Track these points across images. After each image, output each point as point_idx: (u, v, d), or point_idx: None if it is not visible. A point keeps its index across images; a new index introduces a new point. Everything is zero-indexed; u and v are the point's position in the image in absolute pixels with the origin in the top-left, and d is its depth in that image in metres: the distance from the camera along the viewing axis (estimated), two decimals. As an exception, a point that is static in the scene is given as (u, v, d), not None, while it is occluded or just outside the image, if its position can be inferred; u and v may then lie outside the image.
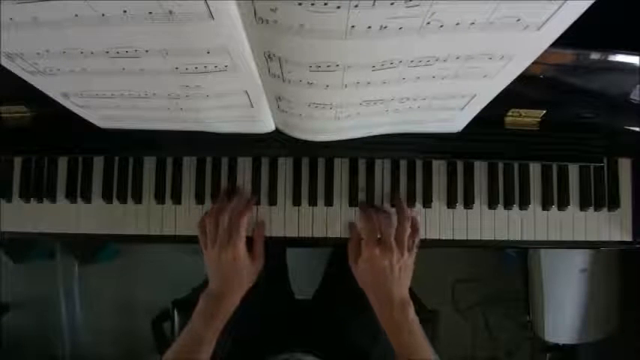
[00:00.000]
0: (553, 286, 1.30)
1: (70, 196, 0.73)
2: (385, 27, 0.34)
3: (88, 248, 1.58)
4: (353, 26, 0.34)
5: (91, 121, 0.62)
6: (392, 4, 0.31)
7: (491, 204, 0.73)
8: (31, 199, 0.74)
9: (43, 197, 0.73)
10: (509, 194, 0.73)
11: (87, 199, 0.73)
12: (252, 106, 0.54)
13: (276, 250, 0.71)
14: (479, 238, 0.73)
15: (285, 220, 0.73)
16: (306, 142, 0.63)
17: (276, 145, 0.68)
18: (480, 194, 0.73)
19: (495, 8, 0.33)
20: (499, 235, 0.73)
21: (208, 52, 0.41)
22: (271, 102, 0.52)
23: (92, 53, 0.41)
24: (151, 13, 0.35)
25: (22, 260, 1.55)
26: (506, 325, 1.62)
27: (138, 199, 0.73)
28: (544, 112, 0.66)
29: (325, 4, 0.31)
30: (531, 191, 0.73)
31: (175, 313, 0.92)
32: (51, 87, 0.51)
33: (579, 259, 1.25)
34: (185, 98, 0.51)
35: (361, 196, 0.72)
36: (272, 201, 0.72)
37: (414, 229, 0.68)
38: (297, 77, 0.43)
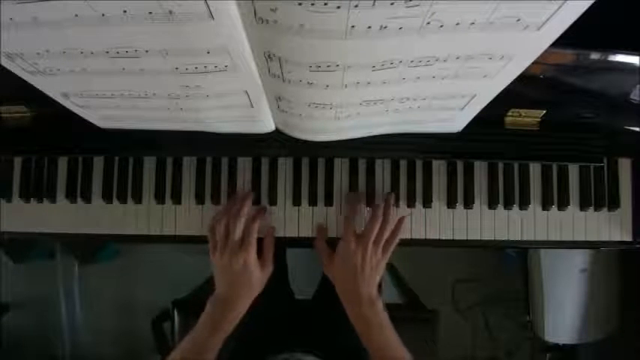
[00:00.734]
0: (553, 286, 1.30)
1: (70, 196, 0.73)
2: (385, 27, 0.34)
3: (88, 248, 1.58)
4: (353, 26, 0.34)
5: (91, 121, 0.62)
6: (392, 4, 0.31)
7: (491, 204, 0.73)
8: (31, 199, 0.74)
9: (43, 197, 0.73)
10: (509, 194, 0.73)
11: (87, 199, 0.73)
12: (252, 106, 0.54)
13: (276, 250, 0.71)
14: (479, 238, 0.73)
15: (285, 220, 0.73)
16: (306, 142, 0.63)
17: (276, 145, 0.68)
18: (480, 194, 0.73)
19: (495, 8, 0.33)
20: (499, 235, 0.73)
21: (208, 52, 0.41)
22: (271, 102, 0.52)
23: (92, 53, 0.41)
24: (151, 13, 0.35)
25: (22, 260, 1.55)
26: (506, 325, 1.62)
27: (138, 199, 0.73)
28: (544, 112, 0.66)
29: (325, 4, 0.31)
30: (531, 191, 0.73)
31: (175, 313, 0.92)
32: (51, 87, 0.51)
33: (579, 259, 1.25)
34: (185, 98, 0.51)
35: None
36: (272, 201, 0.72)
37: (395, 233, 0.68)
38: (297, 77, 0.43)
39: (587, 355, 1.40)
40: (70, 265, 1.59)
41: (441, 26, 0.35)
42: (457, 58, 0.42)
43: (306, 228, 0.73)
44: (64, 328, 1.61)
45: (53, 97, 0.53)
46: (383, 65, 0.41)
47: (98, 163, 0.74)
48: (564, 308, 1.30)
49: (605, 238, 0.73)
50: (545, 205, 0.73)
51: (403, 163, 0.73)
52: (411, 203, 0.73)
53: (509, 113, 0.67)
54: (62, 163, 0.74)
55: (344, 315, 0.67)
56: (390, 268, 1.36)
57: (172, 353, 0.65)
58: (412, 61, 0.41)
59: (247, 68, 0.44)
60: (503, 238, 0.73)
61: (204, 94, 0.49)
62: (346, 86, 0.44)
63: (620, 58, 0.54)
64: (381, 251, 0.66)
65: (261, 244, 0.70)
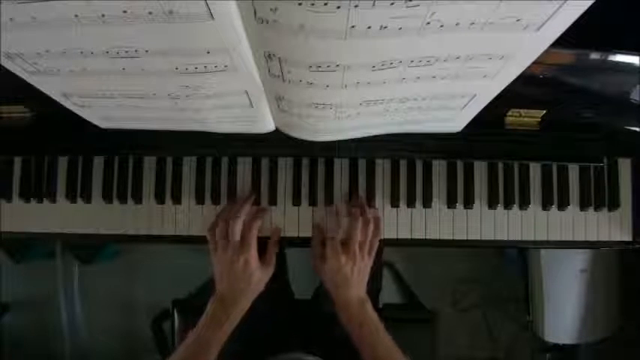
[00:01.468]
0: (553, 286, 1.30)
1: (70, 196, 0.73)
2: (385, 27, 0.34)
3: (88, 248, 1.57)
4: (353, 26, 0.34)
5: (92, 121, 0.62)
6: (392, 4, 0.31)
7: (491, 204, 0.73)
8: (31, 199, 0.74)
9: (43, 197, 0.73)
10: (509, 194, 0.73)
11: (87, 199, 0.73)
12: (252, 106, 0.54)
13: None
14: (479, 238, 0.73)
15: (285, 220, 0.73)
16: (306, 142, 0.63)
17: (276, 145, 0.68)
18: (480, 194, 0.73)
19: (495, 8, 0.33)
20: (499, 235, 0.73)
21: (208, 52, 0.41)
22: (271, 102, 0.52)
23: (92, 53, 0.41)
24: (150, 13, 0.35)
25: (22, 260, 1.55)
26: (506, 325, 1.62)
27: (138, 199, 0.73)
28: (544, 112, 0.66)
29: (325, 4, 0.31)
30: (531, 191, 0.73)
31: (175, 313, 0.92)
32: (51, 87, 0.51)
33: (579, 259, 1.25)
34: (185, 98, 0.51)
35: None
36: (272, 201, 0.72)
37: (376, 233, 0.69)
38: (297, 77, 0.43)
39: (587, 355, 1.40)
40: (70, 265, 1.59)
41: (441, 26, 0.35)
42: (457, 58, 0.42)
43: (306, 228, 0.73)
44: (64, 328, 1.61)
45: (53, 97, 0.53)
46: (383, 65, 0.41)
47: (98, 163, 0.74)
48: (564, 308, 1.30)
49: (605, 238, 0.73)
50: (545, 205, 0.73)
51: (403, 163, 0.73)
52: (411, 203, 0.73)
53: (509, 113, 0.67)
54: (62, 163, 0.74)
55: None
56: (390, 268, 1.36)
57: (173, 355, 0.65)
58: (412, 61, 0.41)
59: (247, 68, 0.44)
60: (503, 238, 0.73)
61: (204, 94, 0.49)
62: (346, 86, 0.44)
63: (620, 58, 0.54)
64: (367, 255, 0.68)
65: (265, 244, 0.70)
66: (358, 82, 0.44)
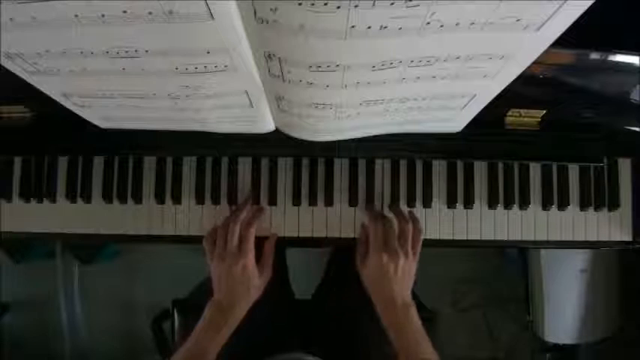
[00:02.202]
0: (553, 286, 1.30)
1: (70, 196, 0.73)
2: (385, 27, 0.34)
3: (88, 248, 1.57)
4: (353, 26, 0.34)
5: (92, 121, 0.62)
6: (392, 4, 0.31)
7: (491, 204, 0.73)
8: (31, 199, 0.74)
9: (43, 197, 0.73)
10: (509, 194, 0.73)
11: (87, 199, 0.73)
12: (252, 106, 0.54)
13: (276, 250, 0.71)
14: (479, 238, 0.73)
15: (285, 220, 0.73)
16: (306, 142, 0.63)
17: (276, 145, 0.68)
18: (480, 194, 0.73)
19: (495, 8, 0.33)
20: (499, 235, 0.73)
21: (208, 52, 0.41)
22: (271, 102, 0.52)
23: (92, 53, 0.41)
24: (150, 13, 0.35)
25: (22, 260, 1.55)
26: (506, 325, 1.62)
27: (138, 199, 0.73)
28: (544, 112, 0.66)
29: (325, 4, 0.31)
30: (531, 191, 0.73)
31: (175, 313, 0.92)
32: (51, 87, 0.51)
33: (579, 259, 1.25)
34: (185, 98, 0.51)
35: (361, 195, 0.72)
36: (272, 201, 0.72)
37: (416, 232, 0.68)
38: (297, 77, 0.43)
39: (587, 355, 1.40)
40: (70, 265, 1.59)
41: (441, 26, 0.35)
42: (457, 58, 0.42)
43: (306, 228, 0.73)
44: (64, 328, 1.61)
45: (53, 97, 0.53)
46: (383, 65, 0.41)
47: (98, 163, 0.74)
48: (564, 308, 1.30)
49: (605, 238, 0.73)
50: (545, 205, 0.73)
51: (403, 163, 0.73)
52: (411, 203, 0.73)
53: (509, 113, 0.67)
54: (62, 163, 0.74)
55: (343, 315, 0.68)
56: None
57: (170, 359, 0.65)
58: (412, 61, 0.41)
59: (247, 68, 0.44)
60: (503, 238, 0.73)
61: (204, 94, 0.49)
62: (346, 86, 0.44)
63: (620, 58, 0.54)
64: (411, 254, 0.67)
65: (262, 249, 0.70)
66: (358, 82, 0.44)
